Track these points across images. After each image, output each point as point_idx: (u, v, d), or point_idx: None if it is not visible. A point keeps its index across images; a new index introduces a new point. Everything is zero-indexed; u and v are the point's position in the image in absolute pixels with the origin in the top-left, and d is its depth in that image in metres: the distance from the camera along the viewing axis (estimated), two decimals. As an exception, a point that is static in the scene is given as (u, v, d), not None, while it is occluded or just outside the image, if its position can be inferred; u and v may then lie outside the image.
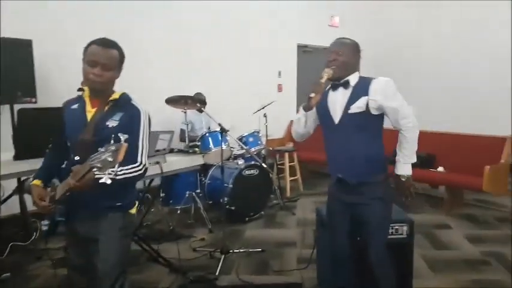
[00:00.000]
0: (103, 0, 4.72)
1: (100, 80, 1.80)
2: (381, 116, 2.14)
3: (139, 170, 1.82)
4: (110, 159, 1.43)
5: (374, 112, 2.09)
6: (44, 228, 3.49)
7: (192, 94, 4.57)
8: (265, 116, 5.28)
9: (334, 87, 2.20)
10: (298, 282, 3.06)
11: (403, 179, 2.12)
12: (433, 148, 5.22)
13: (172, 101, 4.20)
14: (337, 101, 2.17)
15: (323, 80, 2.09)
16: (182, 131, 4.79)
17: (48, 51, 4.11)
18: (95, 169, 1.47)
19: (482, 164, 4.38)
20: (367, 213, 2.15)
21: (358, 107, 2.08)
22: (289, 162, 5.58)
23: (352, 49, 2.20)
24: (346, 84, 2.15)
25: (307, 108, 2.16)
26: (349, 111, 2.10)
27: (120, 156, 1.44)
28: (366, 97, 2.07)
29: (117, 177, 1.70)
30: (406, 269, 2.62)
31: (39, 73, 3.93)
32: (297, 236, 3.99)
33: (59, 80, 4.19)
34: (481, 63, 6.84)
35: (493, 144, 4.75)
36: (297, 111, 2.31)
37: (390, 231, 2.46)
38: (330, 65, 2.14)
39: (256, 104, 5.34)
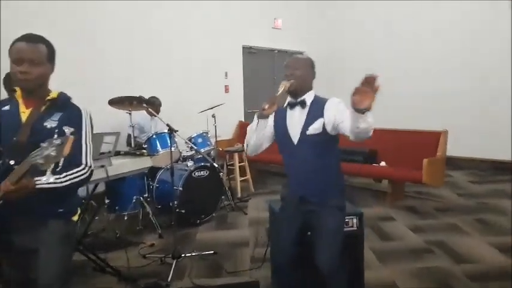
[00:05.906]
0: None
1: (28, 77, 1.68)
2: (336, 137, 2.19)
3: (85, 172, 1.72)
4: (54, 153, 1.33)
5: (331, 132, 2.13)
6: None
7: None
8: (213, 116, 5.26)
9: (292, 106, 2.22)
10: (255, 280, 3.01)
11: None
12: (375, 144, 5.42)
13: (115, 103, 4.04)
14: (294, 121, 2.19)
15: (278, 93, 2.09)
16: (129, 136, 4.63)
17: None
18: (37, 166, 1.35)
19: (421, 158, 4.60)
20: (323, 220, 2.16)
21: (315, 128, 2.12)
22: (239, 163, 5.56)
23: (308, 65, 2.24)
24: (302, 104, 2.18)
25: (260, 116, 2.10)
26: (307, 133, 2.14)
27: (66, 150, 1.35)
28: (322, 119, 2.11)
29: (62, 184, 1.60)
30: (358, 260, 2.66)
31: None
32: (249, 235, 3.97)
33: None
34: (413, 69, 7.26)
35: (430, 138, 4.99)
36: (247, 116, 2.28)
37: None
38: (288, 79, 2.16)
39: (204, 105, 5.30)
